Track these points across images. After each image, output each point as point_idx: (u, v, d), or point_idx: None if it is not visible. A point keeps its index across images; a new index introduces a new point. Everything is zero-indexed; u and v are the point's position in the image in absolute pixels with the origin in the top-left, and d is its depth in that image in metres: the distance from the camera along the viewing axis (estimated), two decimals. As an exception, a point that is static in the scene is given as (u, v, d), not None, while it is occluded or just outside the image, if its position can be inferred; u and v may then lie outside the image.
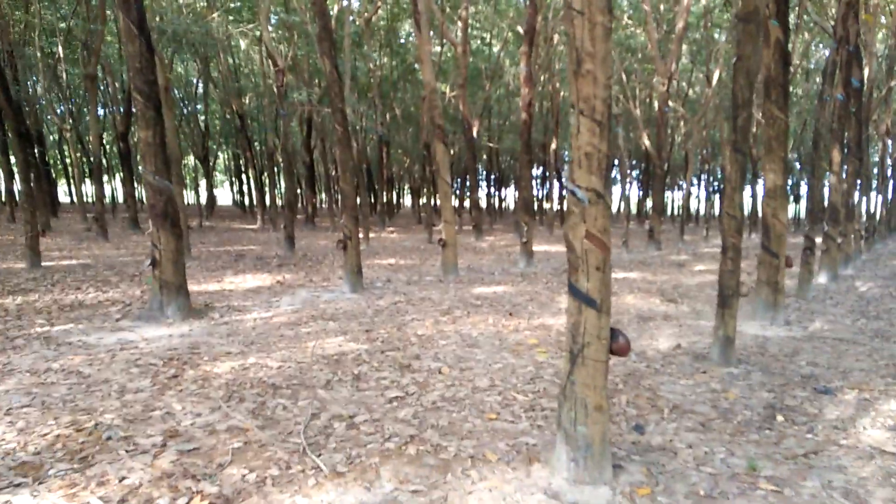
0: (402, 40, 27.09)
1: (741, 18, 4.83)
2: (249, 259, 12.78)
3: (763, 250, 6.94)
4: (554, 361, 5.05)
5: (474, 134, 21.81)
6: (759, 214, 36.18)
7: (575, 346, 2.92)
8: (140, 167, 6.63)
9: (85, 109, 28.63)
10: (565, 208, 2.88)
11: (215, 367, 4.64)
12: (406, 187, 54.81)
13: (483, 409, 3.86)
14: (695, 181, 44.22)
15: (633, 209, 51.30)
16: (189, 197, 44.69)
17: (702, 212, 45.05)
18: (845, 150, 10.37)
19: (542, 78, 25.48)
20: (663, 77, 17.35)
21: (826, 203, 9.97)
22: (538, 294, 8.72)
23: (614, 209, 42.94)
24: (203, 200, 38.70)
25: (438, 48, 23.46)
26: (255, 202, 31.60)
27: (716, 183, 36.44)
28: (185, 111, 31.08)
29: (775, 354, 5.47)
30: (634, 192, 48.73)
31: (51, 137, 34.06)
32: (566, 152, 43.92)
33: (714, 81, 20.56)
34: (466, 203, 35.92)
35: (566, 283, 9.24)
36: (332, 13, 15.77)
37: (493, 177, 41.13)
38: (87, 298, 7.77)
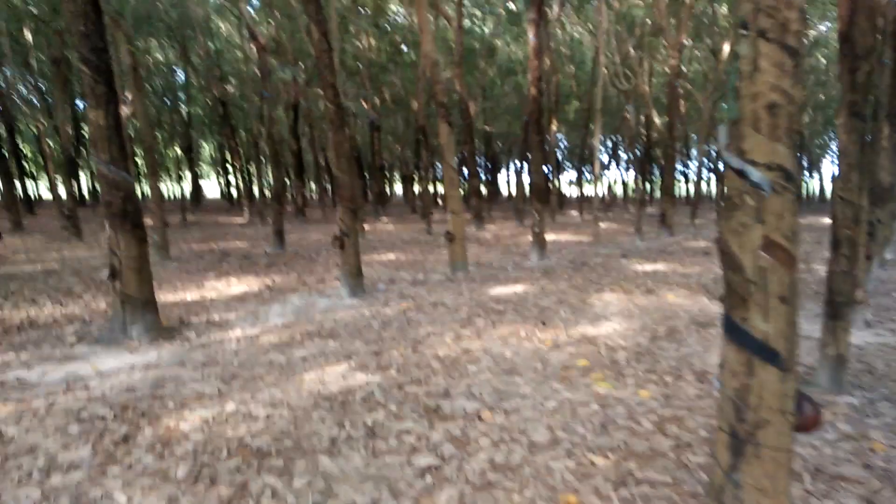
0: (391, 21, 25.75)
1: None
2: (235, 258, 11.59)
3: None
4: (620, 395, 3.94)
5: (471, 116, 20.59)
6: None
7: (741, 426, 1.80)
8: (92, 156, 5.43)
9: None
10: (723, 198, 1.77)
11: (182, 421, 3.49)
12: (397, 175, 53.53)
13: (553, 485, 2.75)
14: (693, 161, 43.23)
15: (620, 191, 50.25)
16: (174, 190, 43.27)
17: (699, 193, 43.98)
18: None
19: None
20: (673, 50, 16.20)
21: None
22: (565, 294, 7.60)
23: (599, 190, 41.79)
24: (189, 193, 37.34)
25: (432, 27, 22.16)
26: (241, 194, 30.23)
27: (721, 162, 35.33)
28: (166, 101, 29.67)
29: (886, 372, 4.39)
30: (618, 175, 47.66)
31: (32, 131, 32.54)
32: (561, 136, 42.69)
33: (725, 55, 19.41)
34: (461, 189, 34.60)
35: (591, 280, 8.09)
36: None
37: (487, 161, 39.96)
38: (41, 315, 6.59)
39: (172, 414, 3.62)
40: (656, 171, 38.19)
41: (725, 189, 1.74)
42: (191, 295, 7.84)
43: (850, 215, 3.88)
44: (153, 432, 3.34)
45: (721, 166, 27.52)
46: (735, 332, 1.77)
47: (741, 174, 1.67)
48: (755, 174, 1.65)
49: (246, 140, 32.28)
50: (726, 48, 19.54)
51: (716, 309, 6.66)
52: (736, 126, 1.69)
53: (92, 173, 34.02)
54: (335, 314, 6.63)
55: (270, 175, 22.76)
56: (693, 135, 39.03)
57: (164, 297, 7.62)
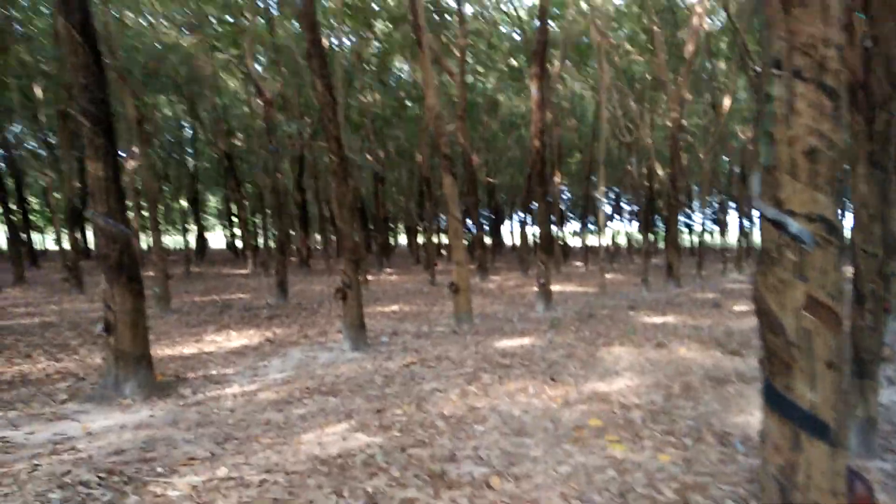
0: (395, 77, 26.20)
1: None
2: (236, 310, 11.41)
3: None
4: (637, 458, 3.71)
5: (474, 168, 20.68)
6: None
7: (787, 506, 1.60)
8: (89, 208, 5.34)
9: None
10: (761, 253, 1.62)
11: (170, 488, 3.27)
12: (401, 226, 53.72)
13: (571, 563, 2.52)
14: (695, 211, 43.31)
15: (623, 242, 50.33)
16: (178, 242, 43.41)
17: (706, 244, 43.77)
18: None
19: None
20: (674, 103, 16.35)
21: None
22: (574, 348, 7.38)
23: (604, 241, 41.74)
24: (194, 245, 37.36)
25: (435, 82, 22.53)
26: (246, 245, 30.18)
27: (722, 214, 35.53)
28: (173, 154, 29.96)
29: (918, 433, 4.15)
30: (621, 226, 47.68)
31: (40, 184, 32.80)
32: (564, 187, 42.90)
33: (725, 109, 19.60)
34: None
35: (600, 332, 7.89)
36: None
37: (490, 213, 40.17)
38: (34, 371, 6.39)
39: (160, 480, 3.40)
40: (659, 223, 38.23)
41: (760, 242, 1.59)
42: (189, 349, 7.64)
43: (874, 268, 3.73)
44: (139, 501, 3.12)
45: (737, 217, 27.31)
46: (778, 401, 1.59)
47: (778, 226, 1.53)
48: (794, 226, 1.50)
49: (251, 192, 32.49)
50: (727, 102, 19.75)
51: (730, 364, 6.43)
52: (771, 173, 1.55)
53: (97, 225, 34.09)
54: (337, 369, 6.42)
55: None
56: (695, 186, 39.25)
57: (161, 350, 7.43)
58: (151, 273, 12.18)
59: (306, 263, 23.77)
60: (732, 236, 40.02)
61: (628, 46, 21.85)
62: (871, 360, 3.73)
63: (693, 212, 39.81)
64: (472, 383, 5.64)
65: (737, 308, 11.19)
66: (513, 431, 4.23)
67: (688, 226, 40.56)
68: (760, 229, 1.60)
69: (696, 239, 41.75)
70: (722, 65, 24.00)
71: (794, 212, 1.51)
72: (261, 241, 32.01)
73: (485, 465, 3.59)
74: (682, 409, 4.78)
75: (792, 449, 1.57)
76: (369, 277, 18.67)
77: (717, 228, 44.89)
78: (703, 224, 21.84)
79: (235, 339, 8.39)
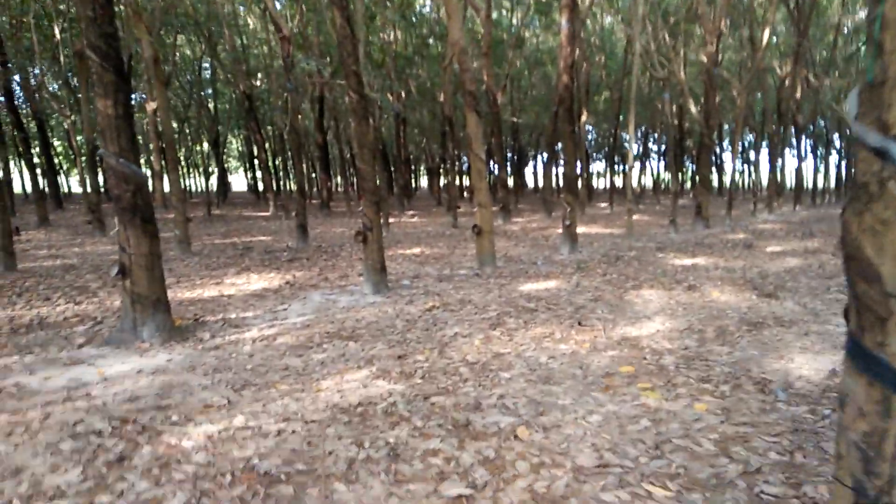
0: (418, 12, 25.27)
1: None
2: (257, 253, 11.33)
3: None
4: (672, 407, 3.51)
5: (499, 107, 20.07)
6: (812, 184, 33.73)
7: (871, 480, 1.37)
8: (101, 148, 5.13)
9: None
10: (852, 185, 1.34)
11: (185, 438, 3.15)
12: (422, 167, 53.24)
13: (606, 523, 2.34)
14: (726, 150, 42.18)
15: (649, 183, 49.36)
16: (200, 184, 43.52)
17: (736, 184, 42.68)
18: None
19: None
20: (711, 36, 15.52)
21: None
22: (601, 291, 7.15)
23: (633, 181, 40.76)
24: (215, 187, 37.39)
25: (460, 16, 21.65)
26: (267, 188, 30.04)
27: (752, 153, 34.51)
28: (193, 95, 29.61)
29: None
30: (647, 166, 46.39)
31: (64, 126, 32.81)
32: (590, 127, 41.77)
33: (764, 43, 18.58)
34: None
35: (628, 275, 7.61)
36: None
37: (514, 154, 39.50)
38: (53, 314, 6.35)
39: (175, 429, 3.28)
40: (687, 162, 37.29)
41: (856, 173, 1.32)
42: (209, 292, 7.56)
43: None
44: (152, 451, 3.00)
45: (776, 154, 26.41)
46: (866, 360, 1.34)
47: (882, 154, 1.25)
48: (902, 153, 1.22)
49: (272, 134, 32.18)
50: (765, 36, 18.71)
51: (766, 307, 6.15)
52: (876, 91, 1.26)
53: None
54: (357, 313, 6.27)
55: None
56: (725, 126, 38.05)
57: (181, 293, 7.36)
58: (172, 215, 12.11)
59: (327, 206, 23.63)
60: (763, 176, 38.94)
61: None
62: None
63: (723, 151, 38.72)
64: (496, 328, 5.46)
65: (770, 249, 10.81)
66: (540, 379, 4.04)
67: (718, 166, 39.49)
68: (857, 159, 1.32)
69: (727, 179, 40.76)
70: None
71: (901, 137, 1.23)
72: (282, 183, 31.89)
73: (511, 415, 3.42)
74: (718, 354, 4.56)
75: (881, 415, 1.34)
76: (391, 220, 18.49)
77: (748, 168, 43.78)
78: (734, 164, 21.08)
79: (255, 282, 8.29)
